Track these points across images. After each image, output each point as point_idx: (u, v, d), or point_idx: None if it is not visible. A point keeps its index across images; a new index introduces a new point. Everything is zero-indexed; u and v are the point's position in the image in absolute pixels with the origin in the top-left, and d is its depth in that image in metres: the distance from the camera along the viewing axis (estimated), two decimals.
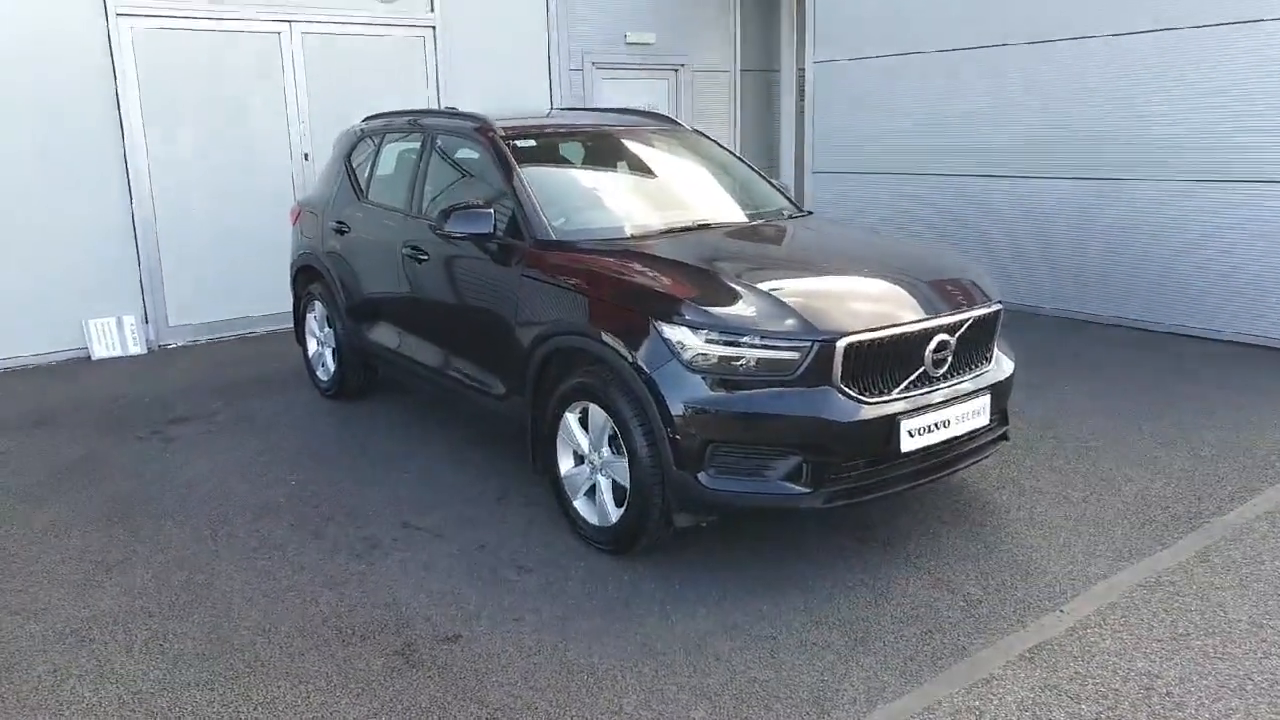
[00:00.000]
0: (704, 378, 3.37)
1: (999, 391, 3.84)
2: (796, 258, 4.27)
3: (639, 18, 9.65)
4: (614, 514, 3.71)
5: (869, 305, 3.61)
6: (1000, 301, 3.92)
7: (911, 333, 3.51)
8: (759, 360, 3.35)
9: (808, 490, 3.38)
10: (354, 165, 5.72)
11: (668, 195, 4.90)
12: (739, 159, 5.35)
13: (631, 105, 9.66)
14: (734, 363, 3.36)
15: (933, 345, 3.56)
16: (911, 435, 3.48)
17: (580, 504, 3.87)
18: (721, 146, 5.36)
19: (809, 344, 3.35)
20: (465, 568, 3.75)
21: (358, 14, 8.14)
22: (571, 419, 3.84)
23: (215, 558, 3.88)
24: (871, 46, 8.88)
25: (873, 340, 3.42)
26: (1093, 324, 7.61)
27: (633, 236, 4.18)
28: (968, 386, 3.69)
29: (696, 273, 3.74)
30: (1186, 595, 3.41)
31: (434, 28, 8.53)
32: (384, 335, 5.26)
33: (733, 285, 3.61)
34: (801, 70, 9.80)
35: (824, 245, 4.53)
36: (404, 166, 5.23)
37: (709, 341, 3.36)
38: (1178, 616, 3.27)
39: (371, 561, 3.82)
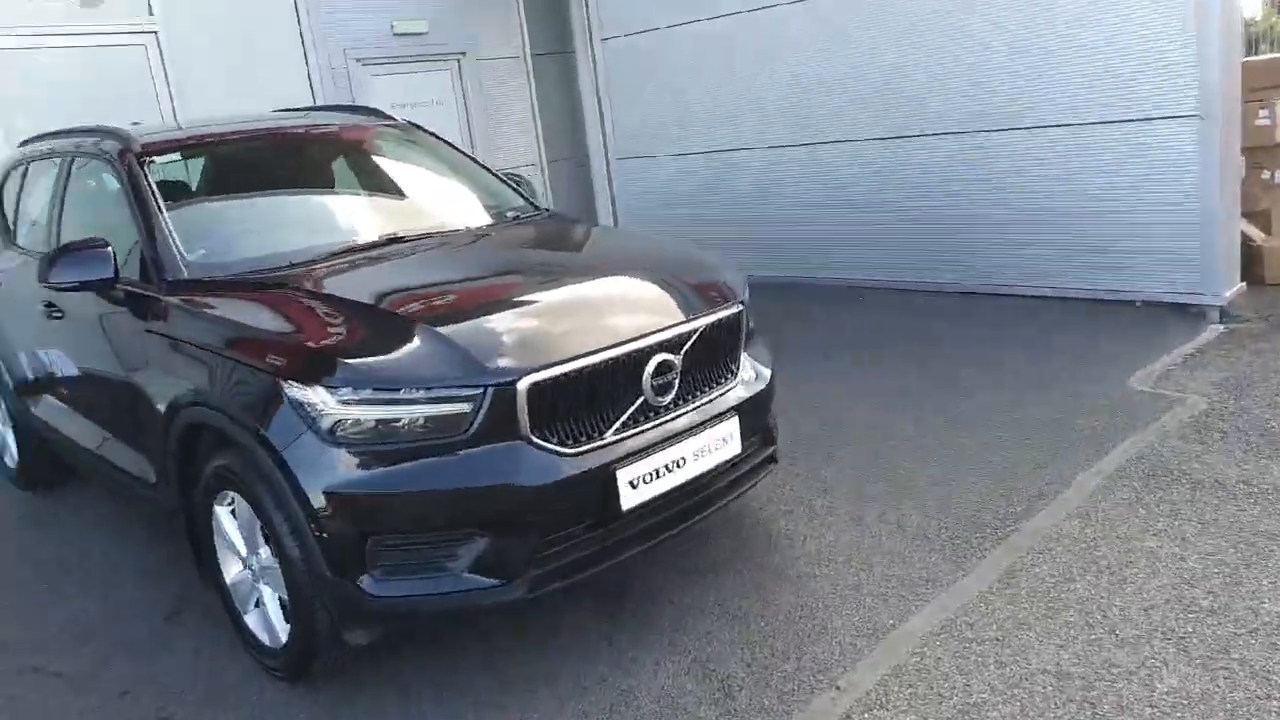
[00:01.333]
0: (350, 451, 2.55)
1: (753, 409, 3.15)
2: (493, 275, 3.41)
3: (406, 5, 8.70)
4: (283, 632, 2.86)
5: (566, 328, 2.85)
6: (742, 301, 3.23)
7: (620, 357, 2.77)
8: (424, 419, 2.56)
9: (501, 582, 2.61)
10: (3, 201, 4.65)
11: (356, 207, 4.04)
12: (467, 156, 4.52)
13: (412, 102, 8.87)
14: (391, 426, 2.55)
15: (651, 368, 2.83)
16: (634, 486, 2.75)
17: (251, 619, 3.00)
18: (446, 142, 4.52)
19: (480, 390, 2.56)
20: None
21: (60, 25, 6.94)
22: (223, 513, 2.96)
23: None
24: (663, 15, 8.17)
25: (566, 374, 2.67)
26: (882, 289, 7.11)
27: (294, 265, 3.28)
28: (706, 411, 2.99)
29: (350, 308, 2.90)
30: (985, 640, 2.78)
31: (156, 33, 7.39)
32: (47, 412, 4.24)
33: (391, 323, 2.80)
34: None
35: (533, 255, 3.72)
36: (47, 200, 4.21)
37: (348, 402, 2.54)
38: (972, 675, 2.64)
39: None
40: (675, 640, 2.95)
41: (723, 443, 2.99)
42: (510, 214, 4.06)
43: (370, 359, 2.62)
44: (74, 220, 3.92)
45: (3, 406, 4.74)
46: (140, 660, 3.17)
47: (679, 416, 2.90)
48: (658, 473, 2.80)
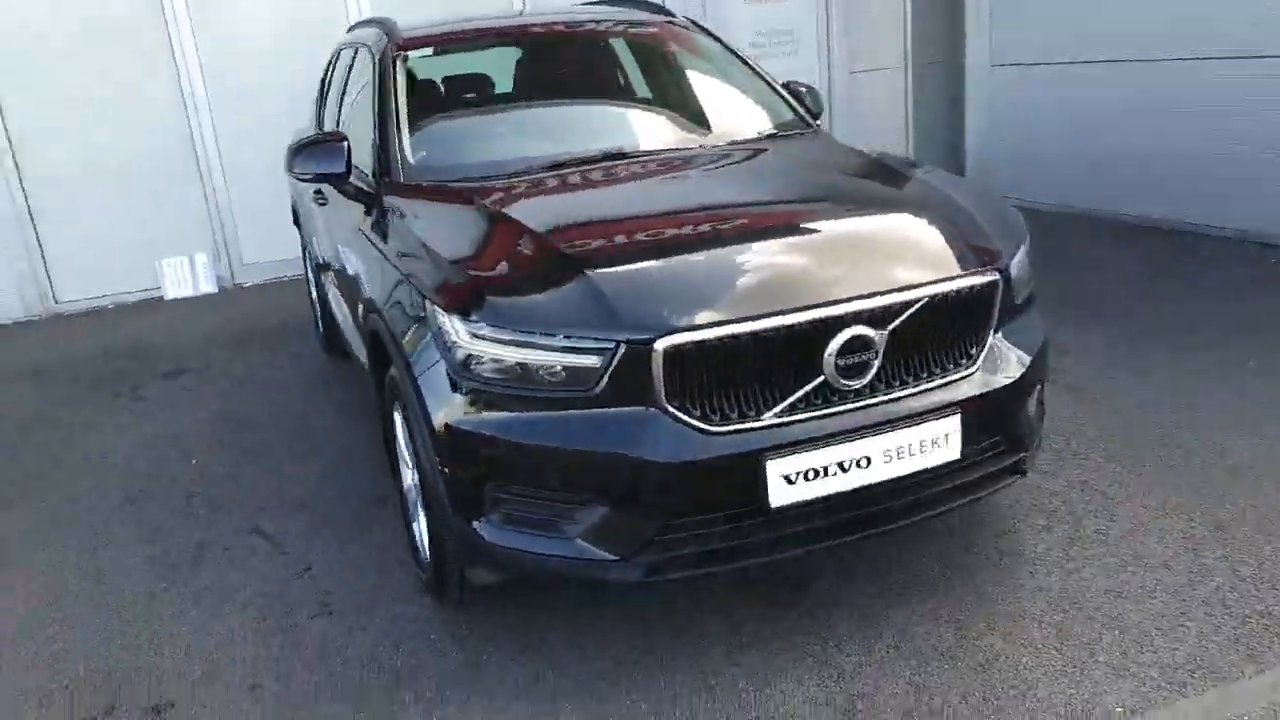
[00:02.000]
0: (477, 388, 2.36)
1: (992, 406, 2.48)
2: (689, 209, 2.94)
3: None
4: (427, 551, 2.81)
5: (743, 282, 2.39)
6: (1002, 269, 2.52)
7: (795, 326, 2.27)
8: (553, 369, 2.28)
9: (617, 558, 2.31)
10: (322, 87, 4.99)
11: (592, 115, 3.77)
12: (744, 62, 4.02)
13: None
14: (519, 370, 2.31)
15: (837, 344, 2.30)
16: (790, 481, 2.28)
17: (415, 529, 3.00)
18: (723, 44, 4.07)
19: (611, 345, 2.23)
20: (265, 601, 3.01)
21: None
22: (399, 421, 2.95)
23: (33, 547, 3.43)
24: None
25: (720, 339, 2.23)
26: None
27: (501, 177, 3.10)
28: (916, 404, 2.41)
29: (520, 236, 2.65)
30: None
31: None
32: (326, 288, 4.58)
33: (550, 259, 2.52)
34: None
35: (749, 186, 3.14)
36: (339, 88, 4.42)
37: (482, 338, 2.32)
38: None
39: (173, 581, 3.18)
40: (895, 660, 2.49)
41: (934, 445, 2.40)
42: (764, 132, 3.57)
43: (513, 298, 2.40)
44: (349, 110, 4.07)
45: (311, 278, 5.22)
46: (333, 543, 3.33)
47: (873, 406, 2.36)
48: (828, 470, 2.29)
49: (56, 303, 7.06)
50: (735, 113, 3.69)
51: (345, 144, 3.30)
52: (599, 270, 2.38)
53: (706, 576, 2.46)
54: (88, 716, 2.53)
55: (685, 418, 2.24)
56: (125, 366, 5.57)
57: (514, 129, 3.61)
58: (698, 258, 2.53)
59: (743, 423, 2.27)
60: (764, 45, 8.26)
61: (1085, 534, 2.93)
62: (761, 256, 2.51)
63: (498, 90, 3.82)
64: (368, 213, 3.22)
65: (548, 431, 2.30)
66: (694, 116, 3.71)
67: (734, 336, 2.23)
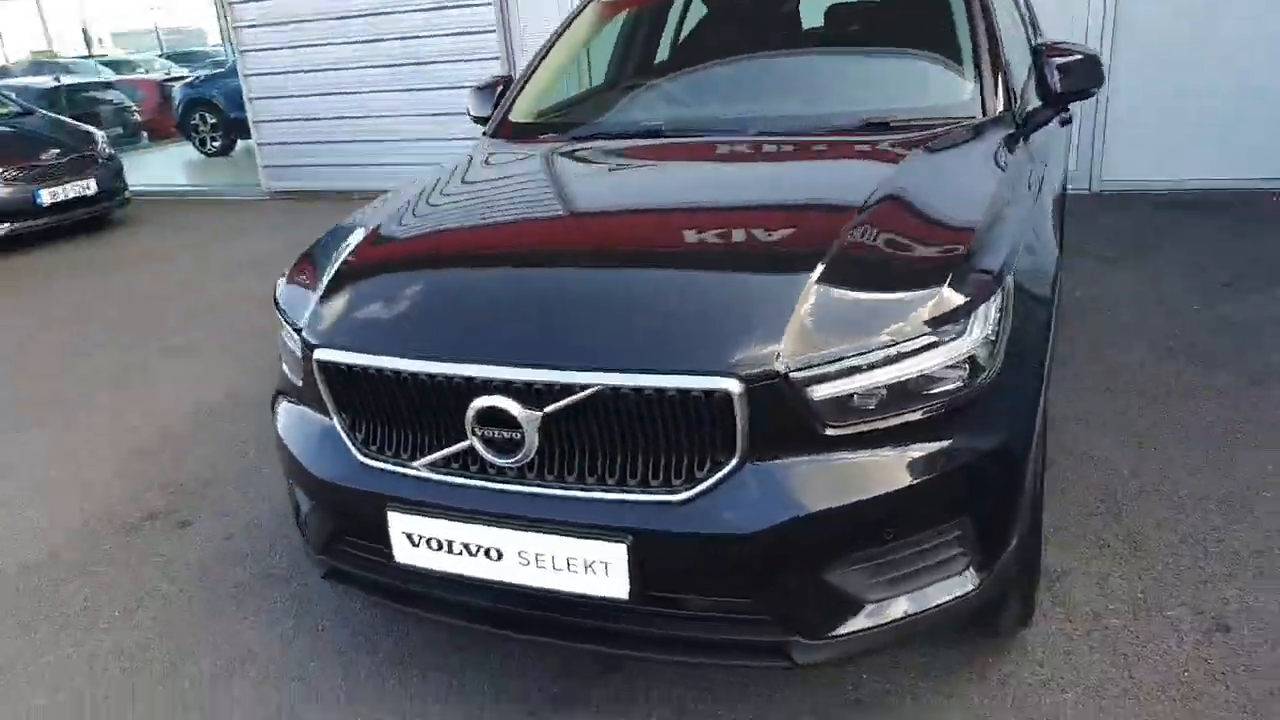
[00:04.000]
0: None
1: (690, 552, 1.83)
2: (583, 215, 2.55)
3: None
4: None
5: (455, 318, 2.06)
6: (751, 375, 1.75)
7: (439, 378, 1.94)
8: (295, 355, 2.27)
9: (312, 548, 2.31)
10: None
11: (718, 80, 3.35)
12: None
13: None
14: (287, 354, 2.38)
15: (473, 410, 1.91)
16: (414, 543, 2.02)
17: None
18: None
19: (301, 345, 2.19)
20: None
21: None
22: None
23: None
24: None
25: (366, 368, 2.02)
26: None
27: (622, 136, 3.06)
28: (566, 513, 1.88)
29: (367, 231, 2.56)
30: None
31: None
32: None
33: (359, 255, 2.41)
34: None
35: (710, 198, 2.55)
36: None
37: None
38: None
39: None
40: None
41: (588, 569, 1.87)
42: (925, 122, 2.71)
43: (292, 284, 2.45)
44: None
45: None
46: None
47: (518, 495, 1.93)
48: (453, 546, 1.98)
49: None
50: (901, 94, 2.88)
51: (489, 89, 3.57)
52: (357, 276, 2.30)
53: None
54: None
55: (345, 438, 2.13)
56: None
57: (658, 84, 3.51)
58: (468, 280, 2.24)
59: (387, 461, 2.06)
60: None
61: None
62: (524, 296, 2.07)
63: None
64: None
65: (286, 419, 2.34)
66: (827, 92, 3.01)
67: (378, 370, 2.02)
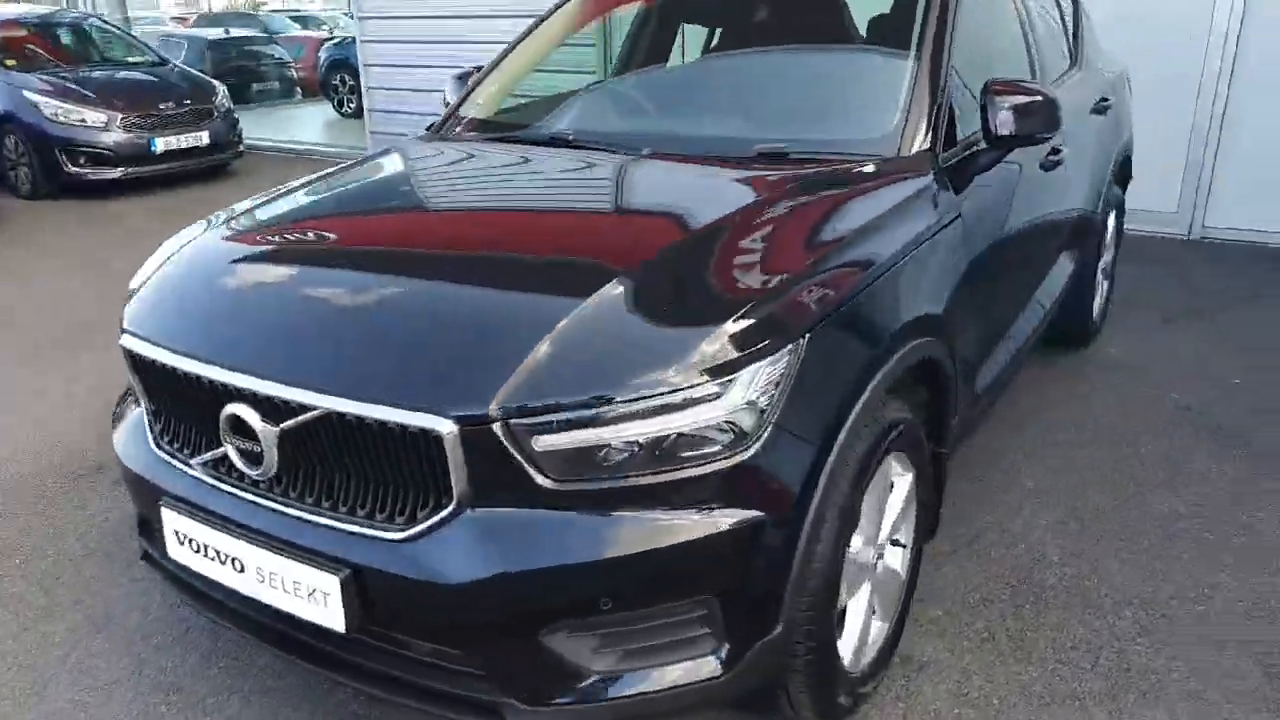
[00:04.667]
0: None
1: (404, 596, 1.76)
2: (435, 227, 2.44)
3: None
4: None
5: (244, 315, 2.06)
6: (466, 418, 1.65)
7: (195, 376, 1.93)
8: None
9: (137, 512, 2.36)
10: None
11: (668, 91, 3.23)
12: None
13: None
14: None
15: (224, 415, 1.89)
16: (180, 541, 2.03)
17: None
18: None
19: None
20: None
21: None
22: None
23: None
24: None
25: (153, 361, 2.04)
26: None
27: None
28: (295, 535, 1.84)
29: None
30: None
31: None
32: None
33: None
34: None
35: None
36: None
37: None
38: None
39: None
40: None
41: (310, 596, 1.83)
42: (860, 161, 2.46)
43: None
44: None
45: None
46: None
47: (260, 508, 1.91)
48: (207, 550, 1.98)
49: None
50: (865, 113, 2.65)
51: None
52: (172, 268, 2.33)
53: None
54: None
55: (147, 426, 2.16)
56: None
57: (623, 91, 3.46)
58: (255, 283, 2.19)
59: (172, 456, 2.08)
60: None
61: None
62: (295, 306, 2.02)
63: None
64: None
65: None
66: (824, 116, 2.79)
67: (157, 362, 2.03)
